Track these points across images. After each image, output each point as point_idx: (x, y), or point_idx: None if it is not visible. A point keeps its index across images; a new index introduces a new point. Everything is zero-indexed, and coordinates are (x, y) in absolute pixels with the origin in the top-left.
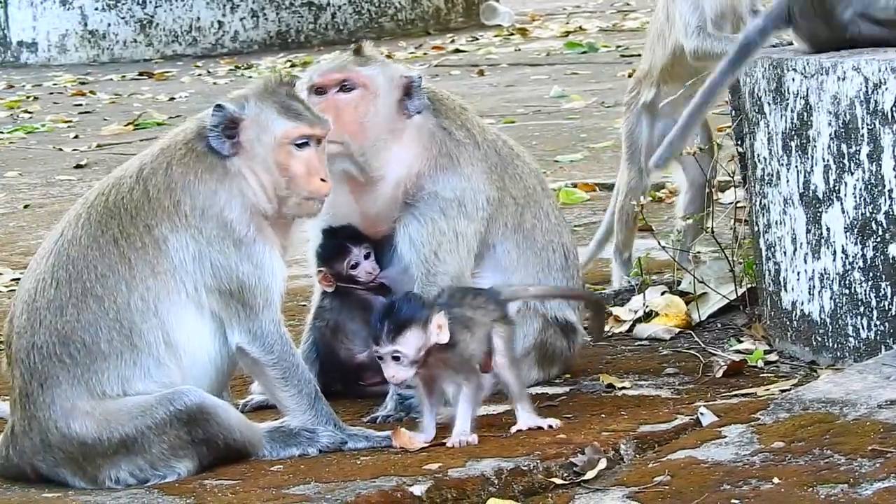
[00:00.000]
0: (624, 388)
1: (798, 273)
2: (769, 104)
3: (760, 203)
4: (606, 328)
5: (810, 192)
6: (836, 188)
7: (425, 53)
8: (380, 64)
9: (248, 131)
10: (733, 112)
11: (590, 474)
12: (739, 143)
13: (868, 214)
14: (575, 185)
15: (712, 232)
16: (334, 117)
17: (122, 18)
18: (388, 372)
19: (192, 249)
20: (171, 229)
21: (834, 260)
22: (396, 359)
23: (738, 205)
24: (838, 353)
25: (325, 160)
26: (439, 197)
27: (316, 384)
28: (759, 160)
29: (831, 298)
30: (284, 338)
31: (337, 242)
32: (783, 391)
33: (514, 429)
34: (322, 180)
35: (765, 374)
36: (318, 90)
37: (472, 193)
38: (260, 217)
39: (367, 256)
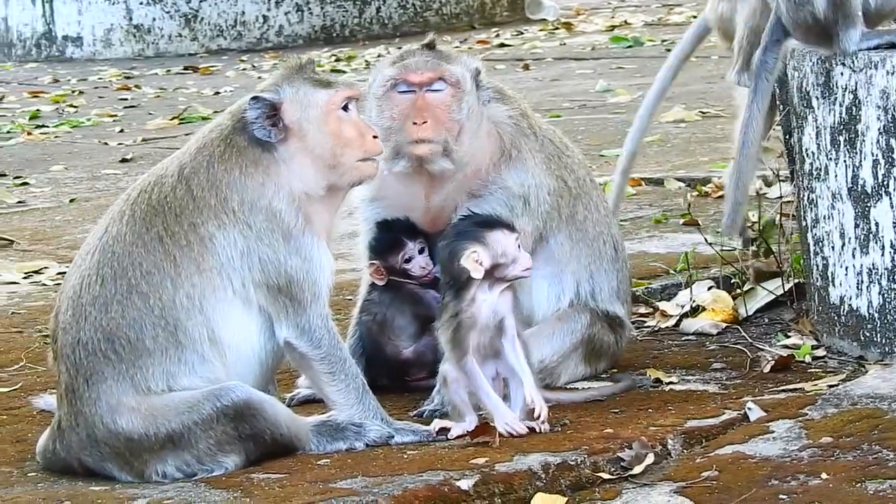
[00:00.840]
0: (671, 382)
1: (846, 268)
2: (817, 98)
3: (808, 198)
4: (653, 323)
5: (859, 186)
6: (885, 183)
7: (470, 48)
8: (461, 59)
9: (291, 112)
10: (781, 106)
11: (637, 469)
12: (787, 137)
13: None
14: None
15: (760, 227)
16: (428, 116)
17: (167, 13)
18: (524, 259)
19: (241, 245)
20: (217, 227)
21: (882, 255)
22: (519, 246)
23: (786, 199)
24: (886, 349)
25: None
26: (509, 192)
27: (363, 378)
28: (807, 155)
29: (880, 293)
30: (332, 332)
31: (392, 236)
32: (831, 386)
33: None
34: (374, 137)
35: (812, 370)
36: (403, 87)
37: (536, 190)
38: (307, 207)
39: (421, 251)
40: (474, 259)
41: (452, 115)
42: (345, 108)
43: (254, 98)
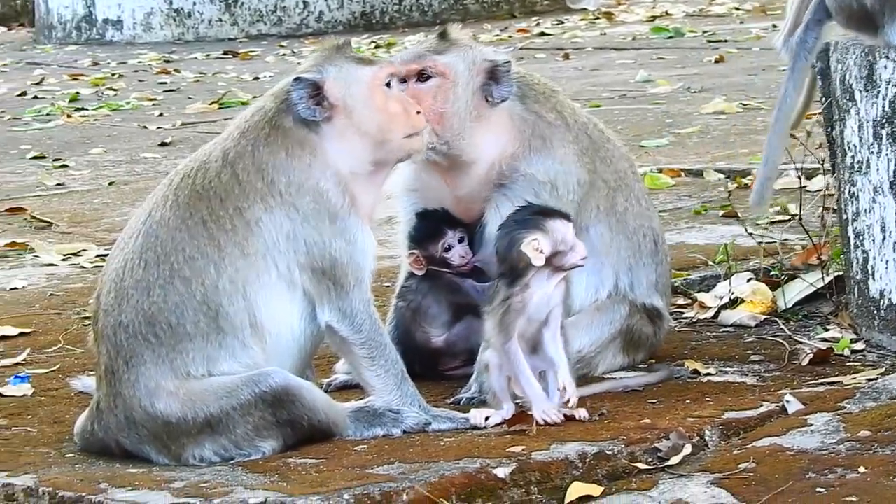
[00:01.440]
0: (709, 374)
1: (886, 262)
2: (860, 91)
3: (849, 191)
4: (692, 314)
5: None
6: None
7: (510, 36)
8: (462, 49)
9: (335, 91)
10: (823, 98)
11: (674, 460)
12: (829, 129)
13: None
14: (660, 171)
15: (800, 219)
16: (418, 102)
17: None
18: (580, 248)
19: (287, 228)
20: (264, 209)
21: None
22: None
23: (827, 192)
24: None
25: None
26: (534, 179)
27: (402, 365)
28: (848, 147)
29: None
30: (373, 317)
31: (431, 225)
32: (870, 380)
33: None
34: (418, 112)
35: (851, 363)
36: (401, 78)
37: (564, 176)
38: (353, 187)
39: (461, 240)
40: (534, 247)
41: (434, 107)
42: (388, 84)
43: (296, 79)
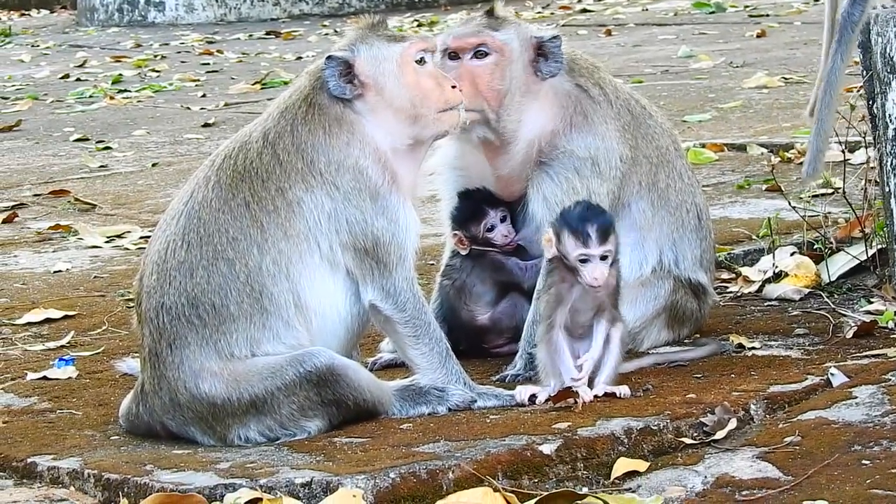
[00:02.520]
0: (754, 348)
1: None
2: None
3: (892, 163)
4: (736, 288)
5: None
6: None
7: (552, 13)
8: (514, 26)
9: (366, 69)
10: (864, 72)
11: (719, 434)
12: (871, 102)
13: None
14: (703, 146)
15: (843, 193)
16: (469, 84)
17: None
18: (597, 272)
19: (328, 208)
20: (305, 189)
21: None
22: (605, 258)
23: (869, 165)
24: None
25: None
26: (574, 156)
27: (447, 343)
28: (890, 120)
29: None
30: (417, 296)
31: (473, 204)
32: None
33: (591, 394)
34: (453, 87)
35: (895, 335)
36: (452, 55)
37: (605, 153)
38: (393, 164)
39: (503, 219)
40: (547, 238)
41: (492, 84)
42: (420, 60)
43: (328, 57)
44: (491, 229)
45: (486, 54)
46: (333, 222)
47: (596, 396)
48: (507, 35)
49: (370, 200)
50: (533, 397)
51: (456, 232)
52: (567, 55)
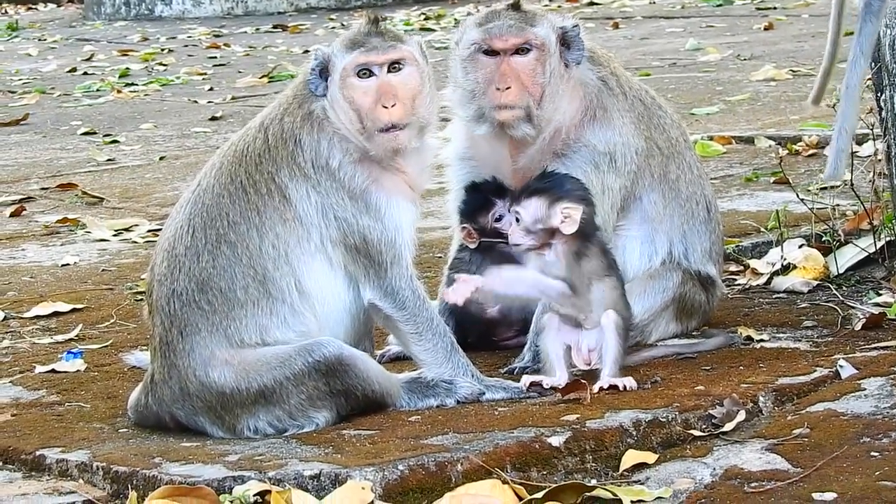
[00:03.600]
0: (762, 340)
1: None
2: None
3: None
4: (744, 281)
5: None
6: None
7: (560, 6)
8: (545, 19)
9: (329, 71)
10: (873, 63)
11: (728, 426)
12: (878, 94)
13: None
14: (711, 138)
15: (851, 185)
16: (514, 80)
17: None
18: (511, 233)
19: (315, 201)
20: (290, 178)
21: None
22: (517, 221)
23: (877, 157)
24: None
25: (406, 88)
26: (594, 150)
27: (452, 337)
28: None
29: None
30: (417, 292)
31: (479, 197)
32: None
33: (595, 387)
34: (384, 107)
35: None
36: (488, 52)
37: (622, 148)
38: (371, 163)
39: (510, 209)
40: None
41: (536, 80)
42: (363, 73)
43: (316, 50)
44: (499, 220)
45: (528, 50)
46: (322, 217)
47: (601, 389)
48: (544, 29)
49: (350, 199)
50: (535, 385)
51: (464, 225)
52: (586, 46)
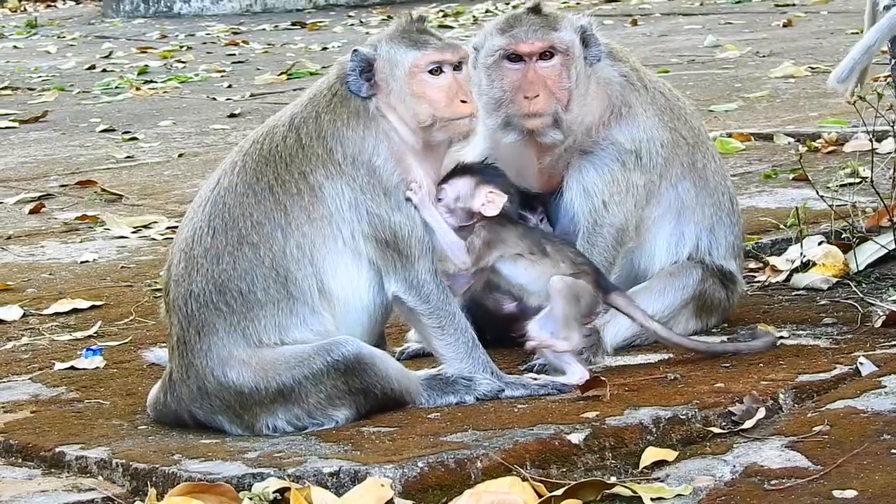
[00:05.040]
0: (782, 337)
1: None
2: None
3: None
4: (763, 278)
5: None
6: None
7: (578, 3)
8: (567, 21)
9: (383, 70)
10: (892, 60)
11: (748, 424)
12: None
13: None
14: (730, 135)
15: (871, 181)
16: (541, 87)
17: None
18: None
19: (349, 196)
20: (326, 176)
21: None
22: (439, 199)
23: None
24: None
25: (467, 84)
26: (620, 147)
27: (473, 333)
28: None
29: None
30: (441, 287)
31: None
32: None
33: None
34: (463, 101)
35: None
36: (513, 57)
37: (648, 144)
38: (409, 159)
39: (541, 220)
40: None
41: (563, 85)
42: (435, 71)
43: (355, 51)
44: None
45: (553, 55)
46: (355, 211)
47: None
48: (567, 32)
49: (384, 196)
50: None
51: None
52: (603, 43)
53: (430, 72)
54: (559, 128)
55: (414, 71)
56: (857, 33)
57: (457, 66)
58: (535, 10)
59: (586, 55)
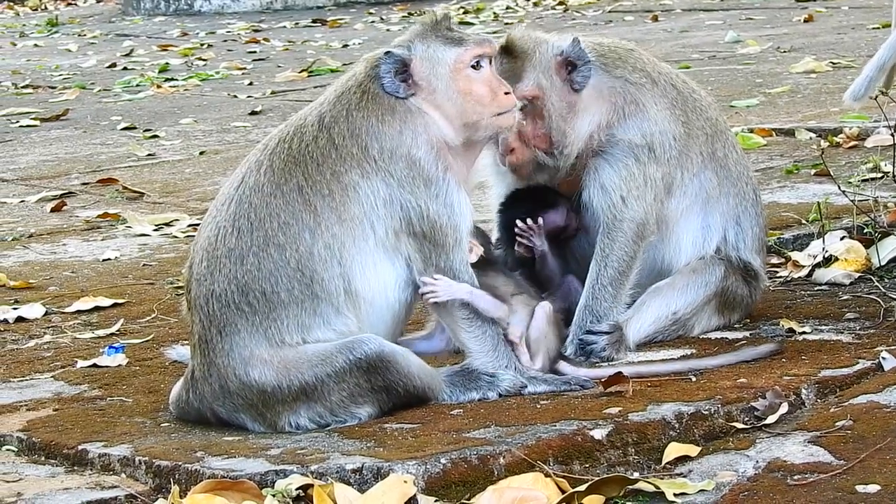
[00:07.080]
0: (804, 332)
1: None
2: None
3: None
4: (785, 273)
5: None
6: None
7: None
8: (533, 58)
9: (421, 69)
10: None
11: (771, 419)
12: None
13: None
14: (751, 131)
15: (893, 177)
16: (515, 142)
17: None
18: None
19: (384, 193)
20: (361, 175)
21: None
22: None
23: None
24: None
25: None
26: (631, 143)
27: (499, 328)
28: None
29: None
30: (473, 278)
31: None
32: None
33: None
34: (506, 93)
35: None
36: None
37: (660, 136)
38: (446, 152)
39: (558, 212)
40: None
41: (537, 132)
42: (476, 65)
43: (387, 52)
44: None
45: (524, 105)
46: (390, 208)
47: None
48: (531, 77)
49: (424, 187)
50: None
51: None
52: (598, 48)
53: (473, 67)
54: (552, 156)
55: (459, 67)
56: (877, 28)
57: (490, 61)
58: (506, 49)
59: (573, 78)
